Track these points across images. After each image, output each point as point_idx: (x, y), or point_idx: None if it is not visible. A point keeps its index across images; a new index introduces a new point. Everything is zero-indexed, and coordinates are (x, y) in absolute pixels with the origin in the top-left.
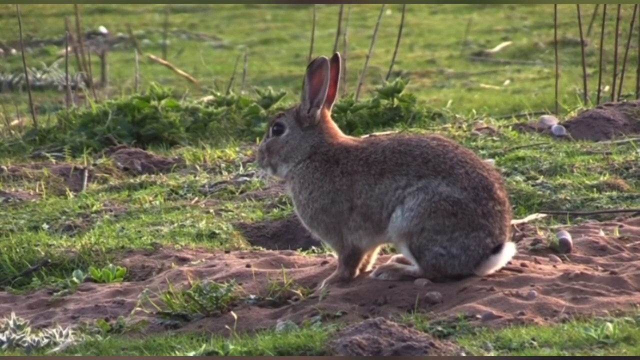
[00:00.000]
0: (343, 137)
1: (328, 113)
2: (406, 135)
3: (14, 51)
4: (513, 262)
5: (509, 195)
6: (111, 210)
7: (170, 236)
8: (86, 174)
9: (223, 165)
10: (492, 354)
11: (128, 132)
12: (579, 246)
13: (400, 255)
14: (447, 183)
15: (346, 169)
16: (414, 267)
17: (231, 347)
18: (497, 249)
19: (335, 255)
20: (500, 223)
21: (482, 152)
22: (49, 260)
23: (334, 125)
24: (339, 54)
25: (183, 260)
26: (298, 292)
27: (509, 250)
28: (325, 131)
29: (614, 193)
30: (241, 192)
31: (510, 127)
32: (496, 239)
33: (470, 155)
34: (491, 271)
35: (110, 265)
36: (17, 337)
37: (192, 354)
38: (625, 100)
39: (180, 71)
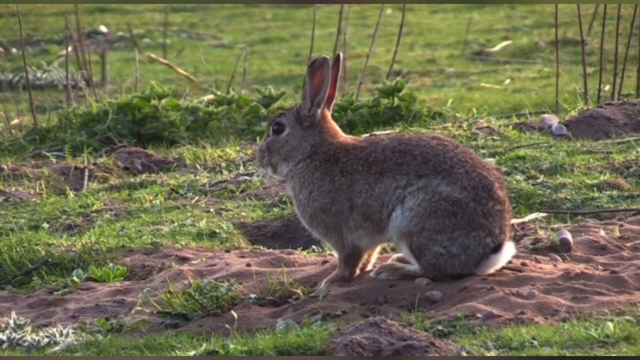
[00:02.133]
0: (343, 136)
1: (328, 113)
2: (406, 135)
3: (14, 50)
4: (513, 262)
5: (509, 194)
6: (111, 210)
7: (170, 235)
8: (86, 173)
9: (223, 164)
10: (492, 353)
11: (128, 131)
12: (579, 245)
13: (400, 255)
14: (447, 183)
15: (346, 168)
16: (414, 266)
17: (231, 346)
18: (497, 248)
19: (336, 255)
20: (500, 222)
21: (482, 151)
22: (50, 260)
23: (334, 125)
24: (341, 54)
25: (183, 260)
26: (298, 291)
27: (509, 250)
28: (325, 131)
29: (615, 192)
30: (241, 192)
31: (510, 127)
32: (496, 238)
33: (470, 155)
34: (491, 270)
35: (111, 264)
36: (18, 337)
37: (192, 353)
38: (625, 100)
39: (180, 70)
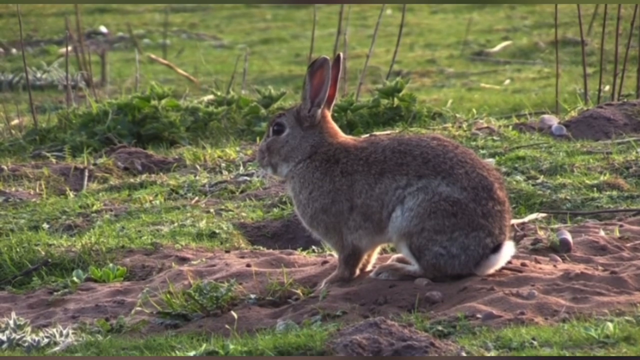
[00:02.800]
0: (343, 136)
1: (328, 113)
2: (406, 135)
3: (14, 51)
4: (513, 262)
5: (509, 195)
6: (111, 210)
7: (170, 236)
8: (86, 173)
9: (223, 164)
10: (492, 353)
11: (128, 131)
12: (579, 246)
13: (400, 255)
14: (447, 183)
15: (346, 168)
16: (414, 266)
17: (231, 346)
18: (497, 248)
19: (335, 255)
20: (500, 223)
21: (482, 151)
22: (49, 260)
23: (334, 125)
24: (341, 54)
25: (183, 260)
26: (298, 291)
27: (508, 250)
28: (325, 131)
29: (614, 193)
30: (241, 192)
31: (510, 127)
32: (496, 238)
33: (470, 155)
34: (491, 271)
35: (111, 264)
36: (18, 337)
37: (192, 353)
38: (625, 100)
39: (180, 71)
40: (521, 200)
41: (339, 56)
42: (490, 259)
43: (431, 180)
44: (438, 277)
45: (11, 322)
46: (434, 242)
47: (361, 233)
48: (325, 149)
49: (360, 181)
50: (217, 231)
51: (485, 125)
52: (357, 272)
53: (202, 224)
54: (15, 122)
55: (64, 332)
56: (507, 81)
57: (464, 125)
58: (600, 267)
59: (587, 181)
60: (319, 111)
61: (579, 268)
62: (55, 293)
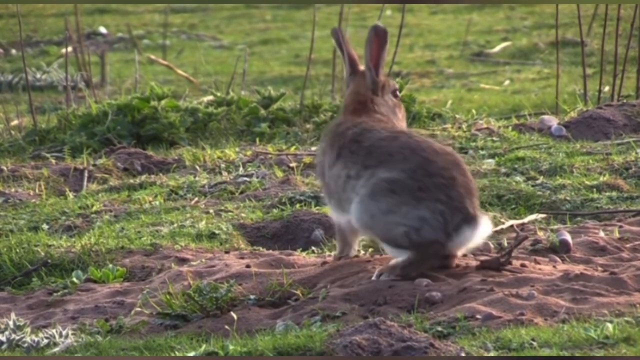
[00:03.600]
0: (356, 115)
1: (362, 86)
2: (376, 126)
3: (13, 51)
4: (513, 263)
5: (474, 176)
6: (111, 211)
7: (170, 236)
8: (86, 174)
9: (223, 165)
10: (492, 354)
11: (128, 132)
12: (578, 246)
13: None
14: (386, 169)
15: (326, 146)
16: (404, 256)
17: (231, 347)
18: (470, 220)
19: None
20: (446, 192)
21: (481, 152)
22: (49, 261)
23: (355, 104)
24: (380, 23)
25: (183, 261)
26: (298, 292)
27: (485, 224)
28: (343, 109)
29: (614, 193)
30: (241, 193)
31: (510, 128)
32: (447, 205)
33: (421, 144)
34: (469, 246)
35: (110, 265)
36: (17, 338)
37: (192, 354)
38: (625, 101)
39: (180, 71)
40: (521, 201)
41: (375, 27)
42: (464, 230)
43: (374, 170)
44: (431, 254)
45: (11, 323)
46: (392, 225)
47: (333, 203)
48: (332, 133)
49: (327, 159)
50: (216, 232)
51: (484, 126)
52: (347, 249)
53: (202, 225)
54: (14, 122)
55: (64, 332)
56: (507, 82)
57: (464, 126)
58: (599, 268)
59: (587, 182)
60: (348, 84)
61: (578, 269)
62: (54, 294)
